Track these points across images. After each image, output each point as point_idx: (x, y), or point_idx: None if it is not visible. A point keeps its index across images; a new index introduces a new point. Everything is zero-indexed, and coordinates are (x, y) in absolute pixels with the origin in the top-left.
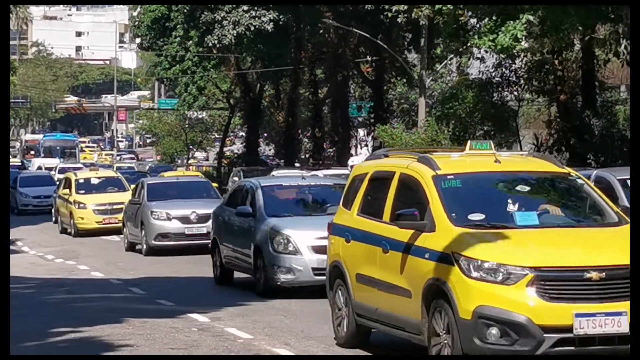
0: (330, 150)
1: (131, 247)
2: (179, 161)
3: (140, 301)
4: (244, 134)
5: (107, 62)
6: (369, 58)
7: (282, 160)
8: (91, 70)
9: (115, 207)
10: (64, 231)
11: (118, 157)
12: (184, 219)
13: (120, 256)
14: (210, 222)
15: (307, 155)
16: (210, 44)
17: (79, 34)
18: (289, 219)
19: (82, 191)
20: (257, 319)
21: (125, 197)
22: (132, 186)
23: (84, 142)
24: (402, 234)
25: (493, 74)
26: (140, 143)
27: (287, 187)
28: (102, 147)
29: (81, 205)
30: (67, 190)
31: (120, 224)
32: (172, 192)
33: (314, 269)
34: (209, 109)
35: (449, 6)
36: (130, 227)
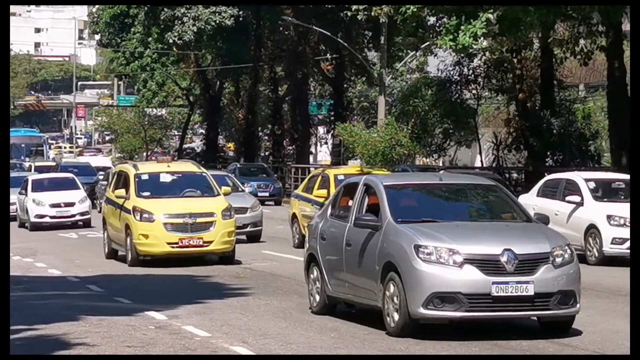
0: (290, 148)
1: (328, 309)
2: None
3: (98, 299)
4: (203, 131)
5: (67, 58)
6: (329, 56)
7: (241, 158)
8: (50, 66)
9: (199, 220)
10: (112, 254)
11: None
12: (489, 266)
13: (78, 253)
14: (541, 274)
15: (267, 153)
16: (170, 41)
17: (38, 31)
18: None
19: (147, 193)
20: (214, 316)
21: (216, 204)
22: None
23: None
24: None
25: (452, 73)
26: (99, 140)
27: None
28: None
29: (145, 215)
30: (122, 191)
31: (206, 248)
32: (434, 208)
33: None
34: (168, 105)
35: (410, 7)
36: (342, 273)
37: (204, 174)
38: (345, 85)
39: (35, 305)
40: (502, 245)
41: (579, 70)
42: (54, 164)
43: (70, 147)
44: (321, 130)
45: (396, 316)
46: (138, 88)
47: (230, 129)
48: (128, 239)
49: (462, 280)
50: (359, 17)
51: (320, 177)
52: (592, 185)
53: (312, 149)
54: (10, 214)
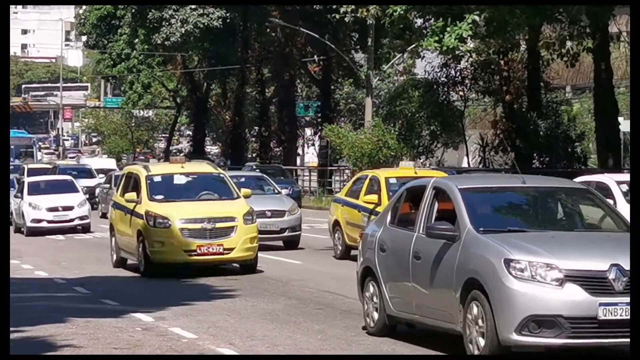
0: (277, 149)
1: (388, 330)
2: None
3: (84, 301)
4: (190, 133)
5: (53, 60)
6: (316, 57)
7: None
8: (37, 68)
9: (219, 225)
10: (120, 263)
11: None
12: (595, 284)
13: (65, 255)
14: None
15: (254, 155)
16: (157, 42)
17: (24, 32)
18: None
19: (161, 196)
20: (201, 318)
21: (236, 208)
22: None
23: None
24: None
25: (439, 74)
26: (86, 142)
27: None
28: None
29: (160, 220)
30: (132, 194)
31: (226, 255)
32: (520, 215)
33: None
34: (154, 107)
35: (397, 9)
36: (409, 290)
37: (221, 175)
38: (332, 87)
39: (22, 307)
40: (609, 260)
41: (565, 72)
42: (49, 166)
43: (47, 148)
44: (308, 132)
45: (482, 342)
46: (124, 90)
47: (217, 131)
48: (141, 247)
49: (564, 301)
50: (346, 19)
51: (367, 180)
52: (624, 187)
53: (299, 151)
54: None
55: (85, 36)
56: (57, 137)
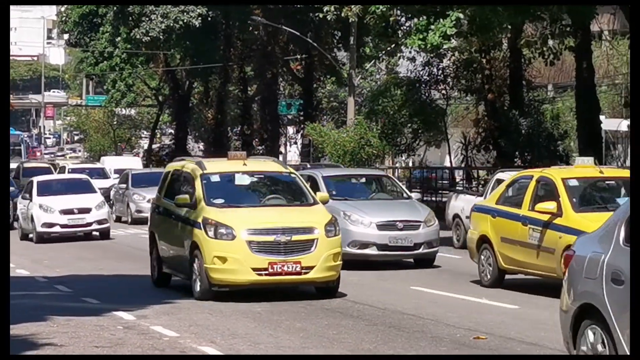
0: (260, 147)
1: None
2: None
3: (66, 299)
4: (172, 131)
5: (35, 58)
6: (298, 56)
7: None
8: (18, 66)
9: (296, 238)
10: (163, 280)
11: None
12: None
13: (47, 254)
14: None
15: None
16: (138, 37)
17: None
18: None
19: (221, 200)
20: (183, 317)
21: (316, 216)
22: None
23: None
24: None
25: (421, 73)
26: (68, 140)
27: None
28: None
29: (222, 230)
30: (185, 197)
31: (304, 276)
32: None
33: None
34: (137, 105)
35: (380, 7)
36: None
37: (292, 175)
38: (314, 85)
39: None
40: None
41: (547, 70)
42: (46, 165)
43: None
44: (291, 130)
45: None
46: (107, 88)
47: (200, 129)
48: (196, 263)
49: None
50: (329, 18)
51: (533, 183)
52: None
53: (282, 149)
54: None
55: (67, 34)
56: (39, 136)
